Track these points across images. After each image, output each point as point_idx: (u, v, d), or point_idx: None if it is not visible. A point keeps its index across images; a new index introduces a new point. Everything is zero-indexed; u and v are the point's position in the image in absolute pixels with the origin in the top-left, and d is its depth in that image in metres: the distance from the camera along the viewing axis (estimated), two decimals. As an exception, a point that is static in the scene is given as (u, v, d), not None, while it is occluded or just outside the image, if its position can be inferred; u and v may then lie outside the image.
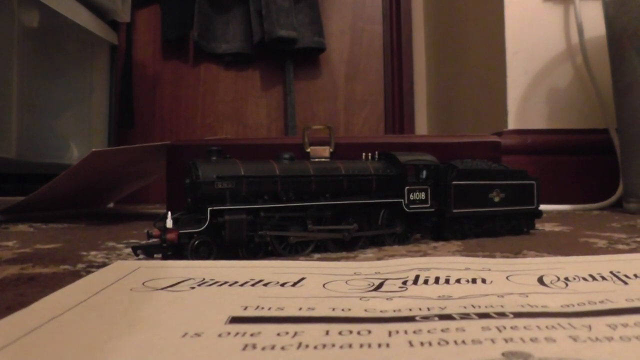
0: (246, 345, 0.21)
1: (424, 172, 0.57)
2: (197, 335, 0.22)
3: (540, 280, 0.33)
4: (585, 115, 1.31)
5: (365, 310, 0.26)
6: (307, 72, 1.94)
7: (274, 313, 0.26)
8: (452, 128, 1.70)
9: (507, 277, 0.34)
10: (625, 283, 0.31)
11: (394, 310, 0.26)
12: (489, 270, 0.36)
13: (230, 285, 0.32)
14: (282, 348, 0.20)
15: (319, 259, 0.48)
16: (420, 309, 0.26)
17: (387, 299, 0.28)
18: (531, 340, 0.21)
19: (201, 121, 1.91)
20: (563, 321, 0.23)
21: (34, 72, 1.14)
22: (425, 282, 0.33)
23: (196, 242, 0.44)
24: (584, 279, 0.33)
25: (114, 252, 0.51)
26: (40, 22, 1.12)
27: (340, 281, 0.33)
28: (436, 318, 0.24)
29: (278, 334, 0.22)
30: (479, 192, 0.61)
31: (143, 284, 0.32)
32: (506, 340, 0.21)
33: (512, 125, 1.31)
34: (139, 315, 0.25)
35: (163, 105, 1.90)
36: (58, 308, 0.26)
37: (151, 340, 0.21)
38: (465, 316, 0.24)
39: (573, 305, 0.26)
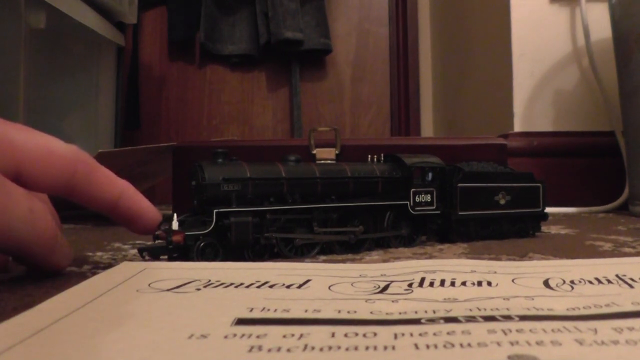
0: (252, 347, 0.21)
1: (430, 175, 0.57)
2: (203, 336, 0.22)
3: (546, 283, 0.33)
4: (592, 118, 1.31)
5: (371, 313, 0.26)
6: (313, 73, 1.95)
7: (279, 315, 0.26)
8: (458, 130, 1.70)
9: (512, 280, 0.34)
10: (631, 286, 0.31)
11: (400, 313, 0.26)
12: (495, 272, 0.36)
13: (236, 286, 0.32)
14: (288, 350, 0.20)
15: (324, 261, 0.48)
16: (425, 312, 0.26)
17: (392, 301, 0.28)
18: (537, 343, 0.21)
19: (207, 122, 1.91)
20: (569, 324, 0.23)
21: (40, 73, 1.15)
22: (431, 284, 0.33)
23: (202, 244, 0.44)
24: (590, 282, 0.33)
25: (119, 253, 0.51)
26: (47, 23, 1.13)
27: (346, 283, 0.33)
28: (442, 321, 0.24)
29: (284, 336, 0.22)
30: (484, 194, 0.61)
31: (149, 285, 0.32)
32: (512, 344, 0.21)
33: (518, 127, 1.30)
34: (145, 316, 0.25)
35: (169, 107, 1.91)
36: (64, 309, 0.26)
37: (157, 342, 0.21)
38: (470, 319, 0.24)
39: (579, 309, 0.26)
